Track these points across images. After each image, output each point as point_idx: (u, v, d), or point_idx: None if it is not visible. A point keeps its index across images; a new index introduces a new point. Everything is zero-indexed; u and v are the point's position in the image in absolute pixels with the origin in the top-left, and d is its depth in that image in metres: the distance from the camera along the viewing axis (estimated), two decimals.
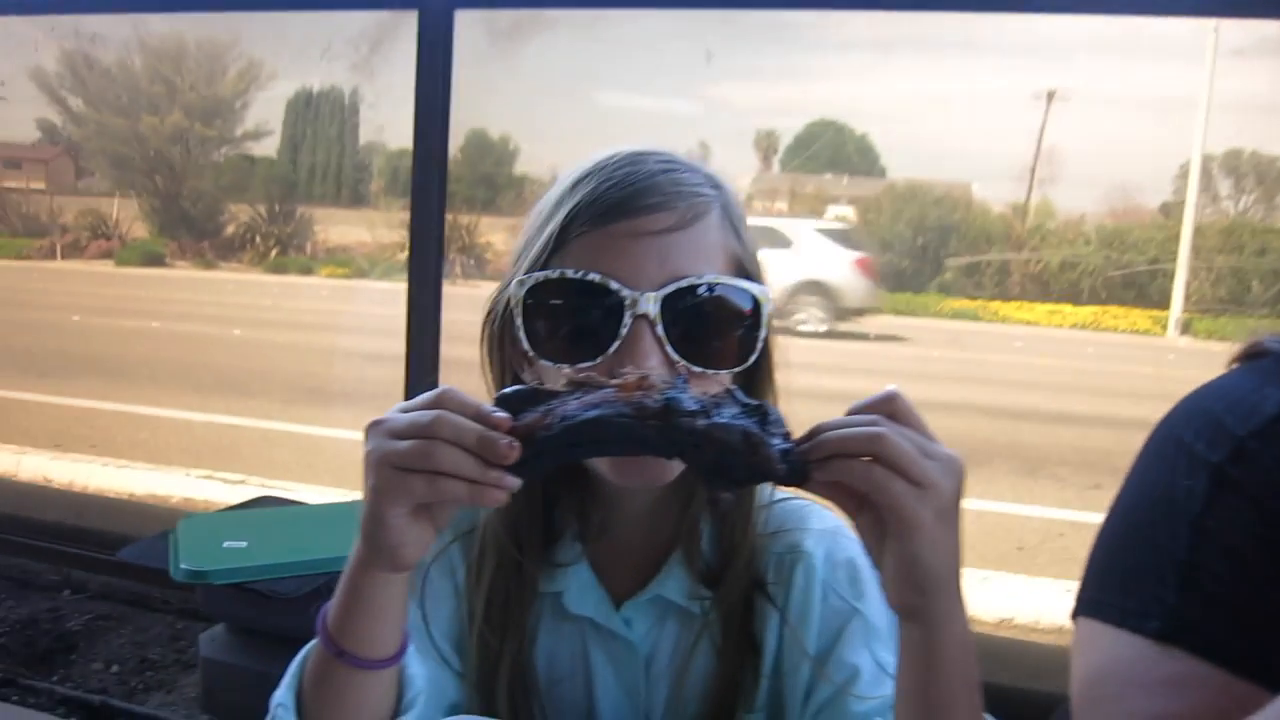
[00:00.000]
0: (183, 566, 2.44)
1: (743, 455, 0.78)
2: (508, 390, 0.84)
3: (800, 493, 0.86)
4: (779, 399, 1.08)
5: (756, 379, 1.07)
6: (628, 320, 0.96)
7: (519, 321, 1.01)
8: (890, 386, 0.83)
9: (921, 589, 0.82)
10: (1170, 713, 0.79)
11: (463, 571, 1.12)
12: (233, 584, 2.52)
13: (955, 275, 17.29)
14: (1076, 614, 0.91)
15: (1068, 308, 16.04)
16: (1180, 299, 15.40)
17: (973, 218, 18.16)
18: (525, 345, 1.00)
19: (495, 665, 1.09)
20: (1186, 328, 15.12)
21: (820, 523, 1.12)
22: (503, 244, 17.09)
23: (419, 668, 1.00)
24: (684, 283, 0.97)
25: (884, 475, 0.79)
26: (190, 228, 20.19)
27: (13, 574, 3.83)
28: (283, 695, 0.96)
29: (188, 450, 6.60)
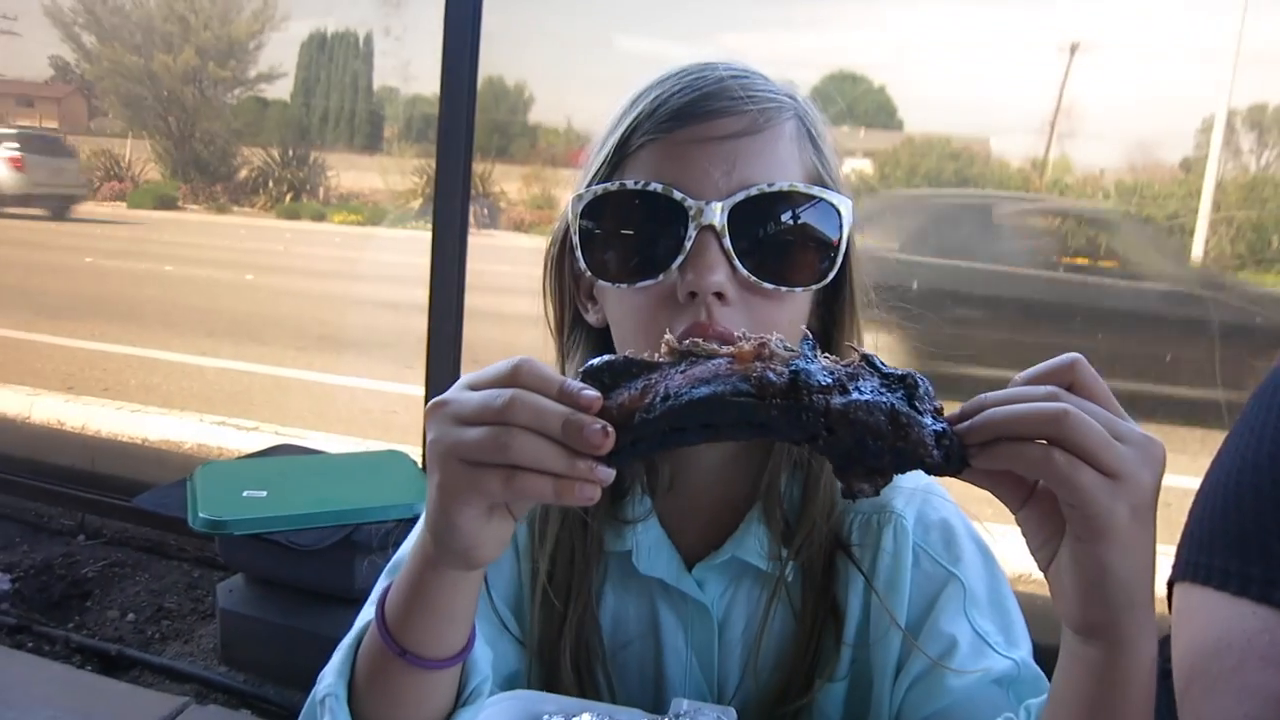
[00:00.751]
0: (202, 515, 2.42)
1: (889, 439, 0.65)
2: (596, 362, 0.71)
3: None
4: (862, 331, 1.00)
5: (837, 306, 0.99)
6: (692, 232, 0.88)
7: (575, 240, 0.93)
8: (1071, 353, 0.69)
9: (1110, 604, 0.69)
10: None
11: (523, 530, 1.06)
12: (252, 534, 2.51)
13: None
14: (1178, 579, 0.85)
15: (1085, 263, 15.86)
16: (1200, 255, 15.21)
17: (990, 172, 17.90)
18: (582, 264, 0.93)
19: (559, 629, 1.03)
20: None
21: (911, 481, 1.03)
22: (516, 193, 16.94)
23: (484, 650, 0.94)
24: (753, 190, 0.89)
25: (1067, 463, 0.65)
26: (203, 171, 20.04)
27: (27, 518, 3.84)
28: (333, 683, 0.88)
29: (200, 396, 6.60)
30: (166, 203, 18.84)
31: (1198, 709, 0.79)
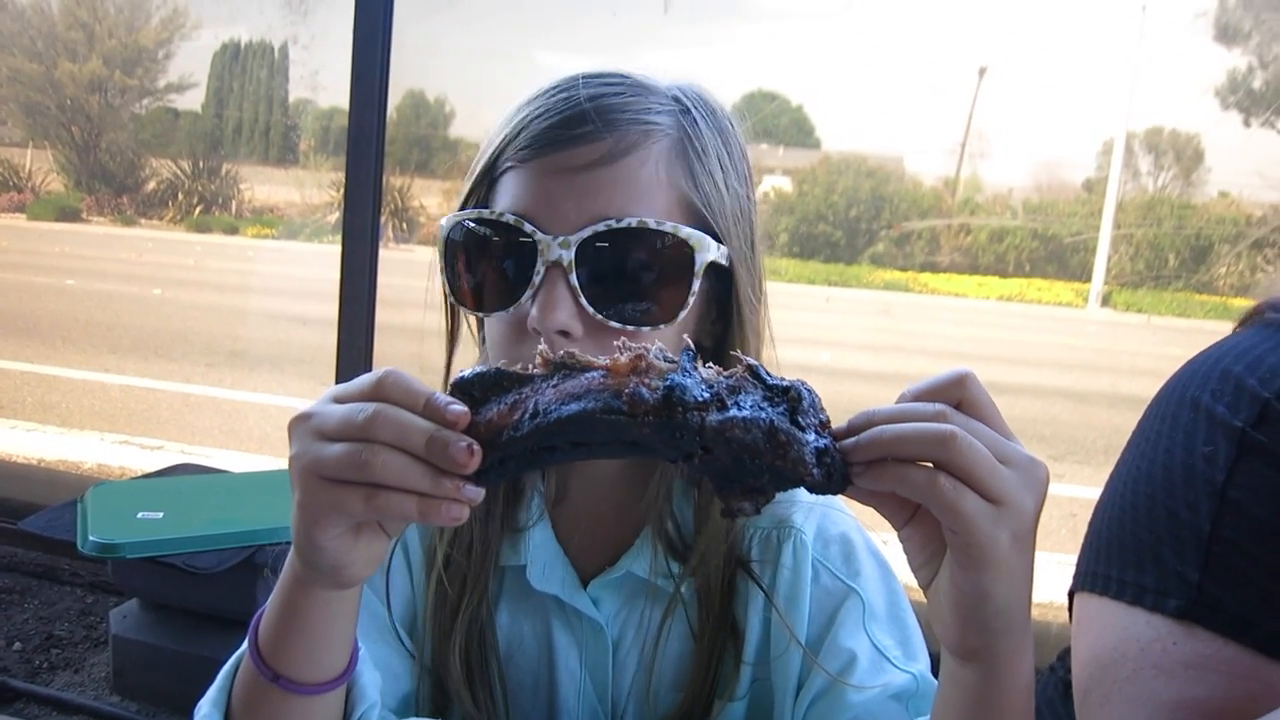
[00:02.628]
0: (92, 538, 2.33)
1: (767, 458, 0.63)
2: (467, 373, 0.68)
3: None
4: (761, 346, 0.99)
5: (725, 339, 0.97)
6: (540, 267, 0.86)
7: (440, 263, 0.93)
8: (961, 367, 0.68)
9: (986, 629, 0.69)
10: (1192, 698, 0.75)
11: (417, 546, 1.03)
12: (147, 557, 2.41)
13: (887, 246, 17.50)
14: (1077, 589, 0.85)
15: (994, 279, 16.38)
16: (1102, 272, 15.84)
17: (905, 190, 18.39)
18: (447, 289, 0.94)
19: (451, 621, 0.99)
20: (1106, 300, 15.55)
21: (810, 494, 1.03)
22: (436, 207, 16.76)
23: (369, 673, 0.90)
24: (600, 226, 0.86)
25: (952, 489, 0.64)
26: (108, 182, 19.36)
27: None
28: (208, 714, 0.83)
29: (102, 414, 6.36)
30: (69, 214, 18.16)
31: (1095, 718, 0.80)
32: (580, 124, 0.89)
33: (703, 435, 0.62)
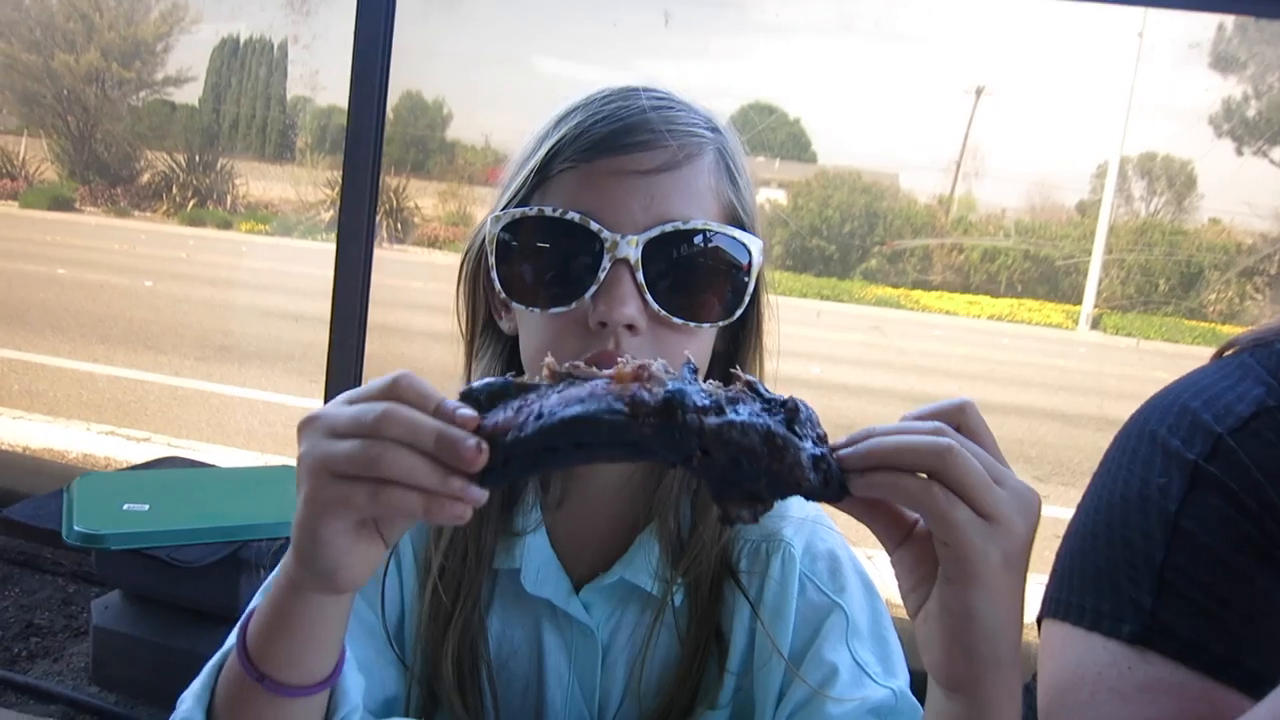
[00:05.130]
0: (76, 528, 2.32)
1: (764, 461, 0.64)
2: (476, 384, 0.69)
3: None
4: (765, 367, 1.02)
5: (742, 341, 1.01)
6: (606, 263, 0.89)
7: (492, 260, 0.93)
8: (962, 395, 0.70)
9: (974, 656, 0.69)
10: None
11: (409, 552, 1.04)
12: (131, 549, 2.41)
13: (879, 263, 17.58)
14: (1044, 616, 0.88)
15: (986, 299, 16.47)
16: (1092, 295, 15.95)
17: (899, 207, 18.48)
18: (497, 285, 0.93)
19: (445, 630, 1.00)
20: (1096, 323, 15.66)
21: (800, 510, 1.04)
22: (431, 209, 16.76)
23: (353, 676, 0.90)
24: (669, 226, 0.90)
25: (946, 498, 0.65)
26: (103, 172, 19.33)
27: None
28: (190, 709, 0.84)
29: (89, 404, 6.34)
30: (62, 204, 18.13)
31: None
32: (644, 130, 0.93)
33: (701, 437, 0.64)
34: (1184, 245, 16.52)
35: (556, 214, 0.90)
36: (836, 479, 0.66)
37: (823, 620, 0.98)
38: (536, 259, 0.93)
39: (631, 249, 0.89)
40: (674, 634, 1.01)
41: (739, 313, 0.95)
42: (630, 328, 0.89)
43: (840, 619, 0.98)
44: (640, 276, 0.89)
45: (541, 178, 0.94)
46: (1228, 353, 0.94)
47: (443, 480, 0.65)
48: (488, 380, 0.69)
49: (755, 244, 0.95)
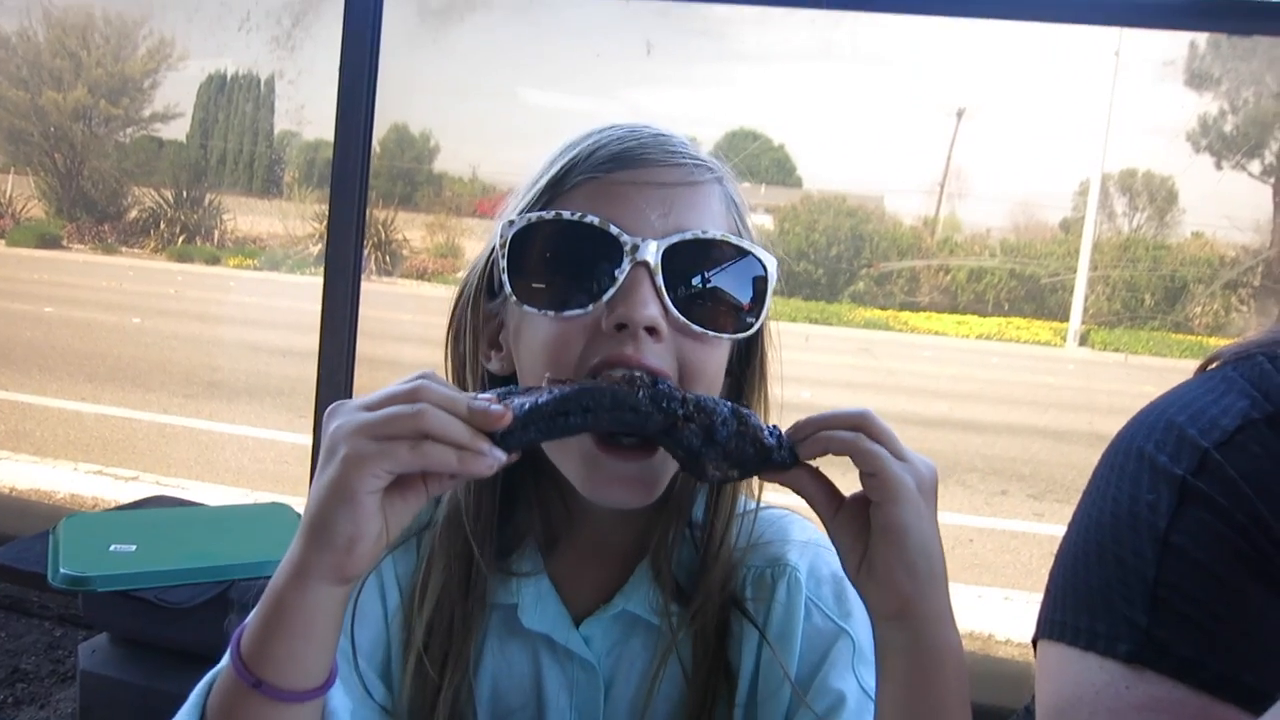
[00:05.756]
0: (63, 571, 2.29)
1: (734, 425, 0.81)
2: (483, 394, 0.80)
3: (782, 496, 0.85)
4: (769, 393, 1.04)
5: (749, 372, 1.02)
6: (626, 266, 0.89)
7: (503, 264, 0.92)
8: (863, 407, 0.83)
9: (914, 570, 0.80)
10: None
11: (395, 594, 1.02)
12: (118, 591, 2.37)
13: (867, 285, 17.65)
14: (1039, 637, 0.87)
15: (974, 318, 16.53)
16: (1079, 311, 16.03)
17: (885, 229, 18.58)
18: (509, 289, 0.92)
19: (433, 703, 0.98)
20: (1084, 339, 15.73)
21: (802, 533, 1.05)
22: (420, 240, 16.79)
23: (342, 700, 0.91)
24: (688, 235, 0.91)
25: (869, 441, 0.80)
26: (90, 209, 19.30)
27: None
28: None
29: (77, 443, 6.29)
30: (49, 241, 18.07)
31: None
32: (660, 149, 0.95)
33: (684, 405, 0.81)
34: (1167, 260, 16.64)
35: (575, 217, 0.91)
36: (787, 444, 0.83)
37: (829, 647, 0.98)
38: (551, 263, 0.93)
39: (652, 253, 0.89)
40: (680, 669, 0.99)
41: (756, 326, 0.96)
42: (652, 331, 0.89)
43: (847, 645, 0.98)
44: (659, 281, 0.89)
45: (556, 191, 0.95)
46: (1211, 366, 0.94)
47: (474, 438, 0.74)
48: (494, 390, 0.82)
49: (771, 261, 0.96)
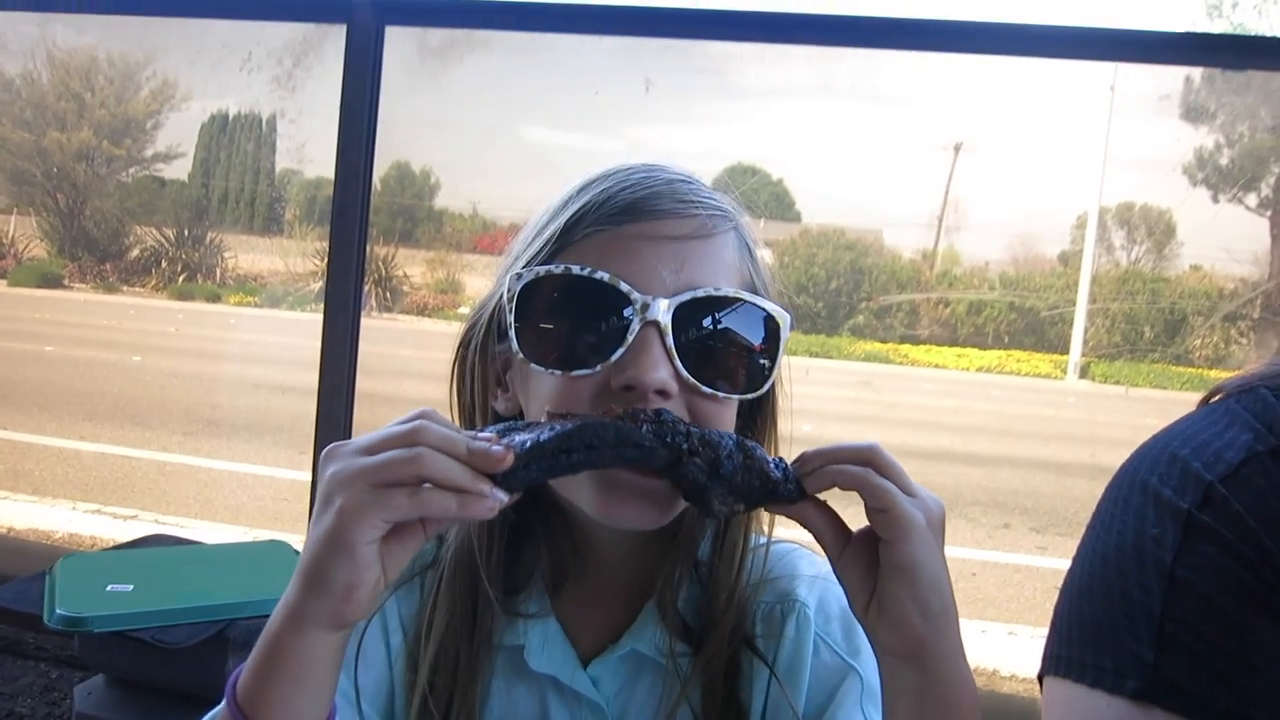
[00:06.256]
0: (59, 611, 2.26)
1: (739, 459, 0.80)
2: (484, 430, 0.79)
3: (789, 530, 0.84)
4: (778, 442, 1.02)
5: (760, 415, 1.00)
6: (635, 325, 0.87)
7: (510, 319, 0.90)
8: (871, 440, 0.82)
9: (926, 608, 0.79)
10: None
11: (399, 635, 1.01)
12: (115, 631, 2.35)
13: (867, 318, 17.69)
14: (1045, 673, 0.86)
15: (974, 351, 16.54)
16: (1079, 344, 16.04)
17: (884, 263, 18.66)
18: (515, 346, 0.90)
19: None
20: (1085, 371, 15.73)
21: (811, 568, 1.03)
22: (420, 277, 16.86)
23: None
24: (700, 292, 0.89)
25: (878, 477, 0.79)
26: (92, 249, 19.40)
27: None
28: None
29: (75, 483, 6.27)
30: (51, 281, 18.15)
31: None
32: (673, 199, 0.92)
33: (689, 439, 0.80)
34: (1166, 292, 16.68)
35: (585, 273, 0.88)
36: (793, 477, 0.82)
37: (837, 684, 0.97)
38: (560, 320, 0.91)
39: (663, 312, 0.87)
40: (689, 710, 0.97)
41: (766, 386, 0.94)
42: (662, 393, 0.87)
43: (855, 683, 0.97)
44: (670, 341, 0.87)
45: (565, 242, 0.93)
46: (1214, 399, 0.93)
47: (474, 480, 0.73)
48: (494, 426, 0.81)
49: (784, 316, 0.94)
